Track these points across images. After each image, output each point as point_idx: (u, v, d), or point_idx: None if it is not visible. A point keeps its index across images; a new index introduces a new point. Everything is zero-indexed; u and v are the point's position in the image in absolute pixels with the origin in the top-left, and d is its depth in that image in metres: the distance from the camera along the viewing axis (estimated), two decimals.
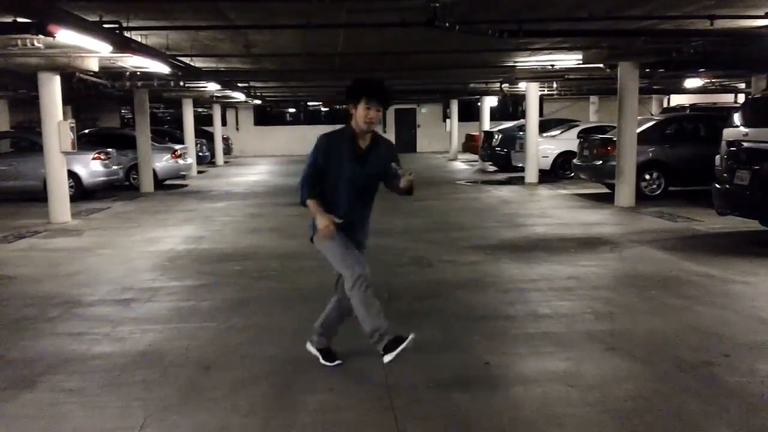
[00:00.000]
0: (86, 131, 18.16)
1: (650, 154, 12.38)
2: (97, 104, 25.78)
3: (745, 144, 8.03)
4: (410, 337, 3.80)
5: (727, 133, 8.50)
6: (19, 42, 8.98)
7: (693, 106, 18.53)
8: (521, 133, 17.56)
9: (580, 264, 7.27)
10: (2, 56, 10.01)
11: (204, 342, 4.94)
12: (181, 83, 16.22)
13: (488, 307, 5.76)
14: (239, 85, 18.83)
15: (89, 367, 4.46)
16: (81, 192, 13.48)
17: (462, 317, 5.43)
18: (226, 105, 27.58)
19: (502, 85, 18.75)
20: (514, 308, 5.67)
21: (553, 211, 11.53)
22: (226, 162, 25.69)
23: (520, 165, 17.08)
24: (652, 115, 19.34)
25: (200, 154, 21.81)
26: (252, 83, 19.41)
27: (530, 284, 6.47)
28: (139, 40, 9.18)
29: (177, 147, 17.58)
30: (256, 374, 4.28)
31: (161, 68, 11.51)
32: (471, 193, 14.75)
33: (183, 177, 18.33)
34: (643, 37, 10.46)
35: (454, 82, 20.09)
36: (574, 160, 14.28)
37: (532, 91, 16.80)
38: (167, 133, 21.12)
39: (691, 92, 20.09)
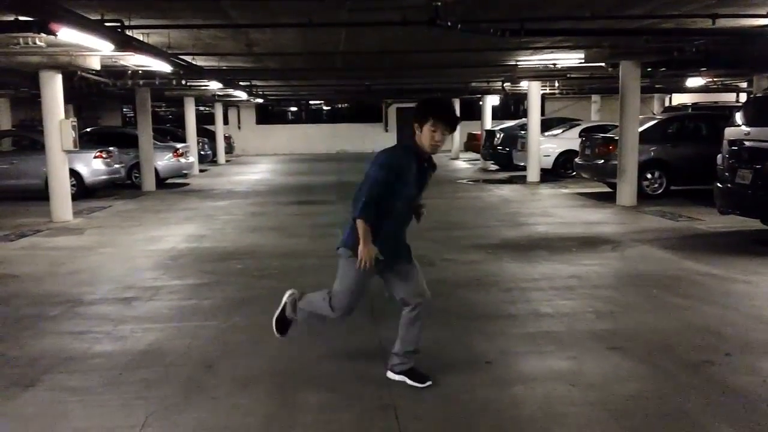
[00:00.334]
0: (88, 130, 18.13)
1: (652, 153, 12.37)
2: (99, 103, 25.79)
3: (747, 143, 8.02)
4: None
5: (729, 132, 8.50)
6: (20, 40, 8.96)
7: (695, 105, 18.49)
8: (523, 132, 17.53)
9: (581, 263, 7.27)
10: (4, 55, 10.00)
11: (205, 341, 4.94)
12: (183, 82, 16.17)
13: (490, 306, 5.76)
14: (241, 83, 18.83)
15: (90, 365, 4.47)
16: (82, 191, 13.48)
17: (463, 316, 5.43)
18: (228, 104, 27.56)
19: (504, 84, 18.73)
20: (516, 307, 5.67)
21: (555, 210, 11.52)
22: (227, 161, 25.68)
23: (522, 164, 17.04)
24: (654, 114, 19.33)
25: (202, 152, 21.80)
26: (254, 82, 19.40)
27: (532, 283, 6.47)
28: (141, 38, 9.18)
29: (179, 146, 17.57)
30: (257, 373, 4.28)
31: (163, 67, 11.51)
32: (473, 191, 14.76)
33: (185, 176, 18.32)
34: (645, 36, 10.46)
35: (456, 81, 20.06)
36: (576, 159, 14.26)
37: (533, 90, 16.78)
38: (169, 131, 21.06)
39: (692, 91, 20.08)
